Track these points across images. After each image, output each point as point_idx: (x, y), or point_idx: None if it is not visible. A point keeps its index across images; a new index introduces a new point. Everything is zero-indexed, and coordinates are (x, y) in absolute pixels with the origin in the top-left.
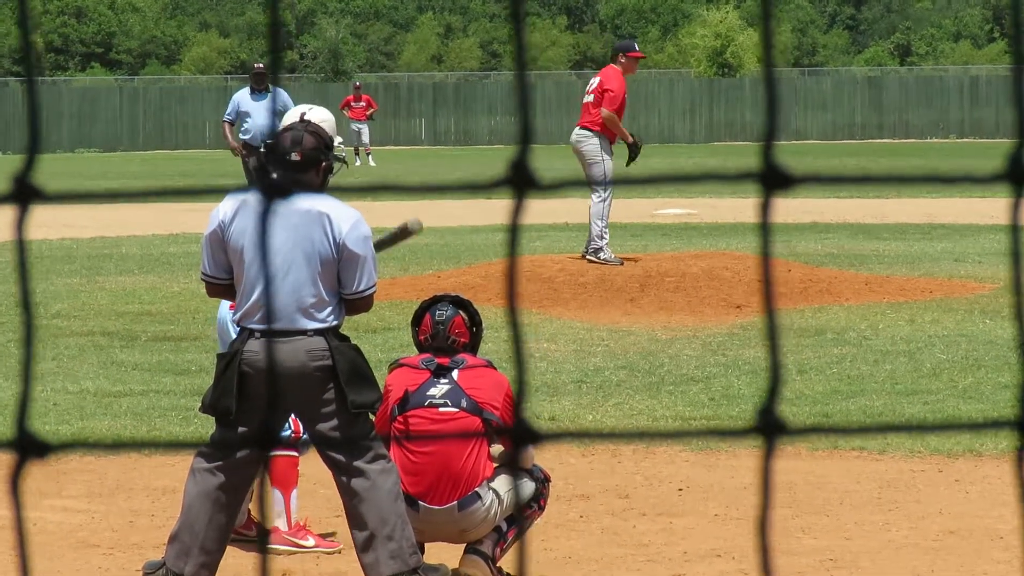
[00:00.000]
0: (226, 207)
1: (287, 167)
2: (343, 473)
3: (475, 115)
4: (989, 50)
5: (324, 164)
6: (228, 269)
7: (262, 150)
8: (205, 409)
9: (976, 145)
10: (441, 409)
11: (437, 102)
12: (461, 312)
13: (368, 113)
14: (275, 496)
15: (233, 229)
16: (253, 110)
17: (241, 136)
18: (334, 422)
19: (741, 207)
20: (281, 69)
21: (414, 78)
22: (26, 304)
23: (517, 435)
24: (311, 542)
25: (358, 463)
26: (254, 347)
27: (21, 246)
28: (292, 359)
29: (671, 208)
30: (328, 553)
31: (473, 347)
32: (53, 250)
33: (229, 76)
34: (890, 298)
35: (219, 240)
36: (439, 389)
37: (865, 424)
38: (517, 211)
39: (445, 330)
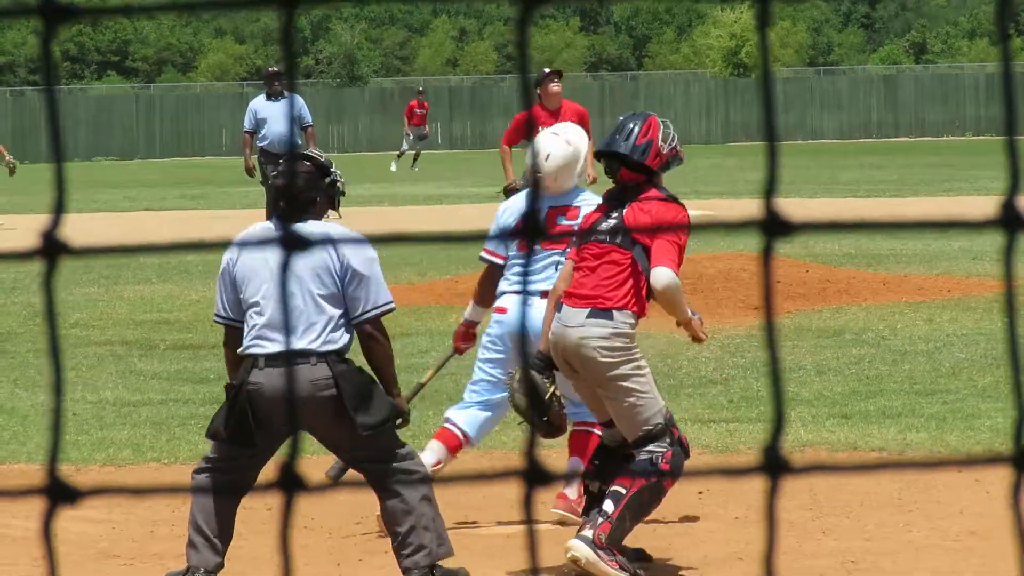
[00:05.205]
0: (233, 247)
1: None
2: (376, 484)
3: (491, 118)
4: None
5: (318, 199)
6: (240, 308)
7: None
8: (215, 437)
9: (992, 142)
10: (602, 244)
11: (453, 106)
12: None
13: (425, 132)
14: (573, 464)
15: (240, 262)
16: (270, 116)
17: (258, 143)
18: (355, 442)
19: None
20: (296, 76)
21: (429, 82)
22: (55, 352)
23: (529, 477)
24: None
25: (387, 479)
26: (258, 378)
27: (50, 301)
28: (298, 389)
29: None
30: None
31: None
32: (71, 259)
33: (245, 82)
34: (908, 298)
35: (230, 277)
36: (607, 224)
37: (867, 462)
38: (529, 255)
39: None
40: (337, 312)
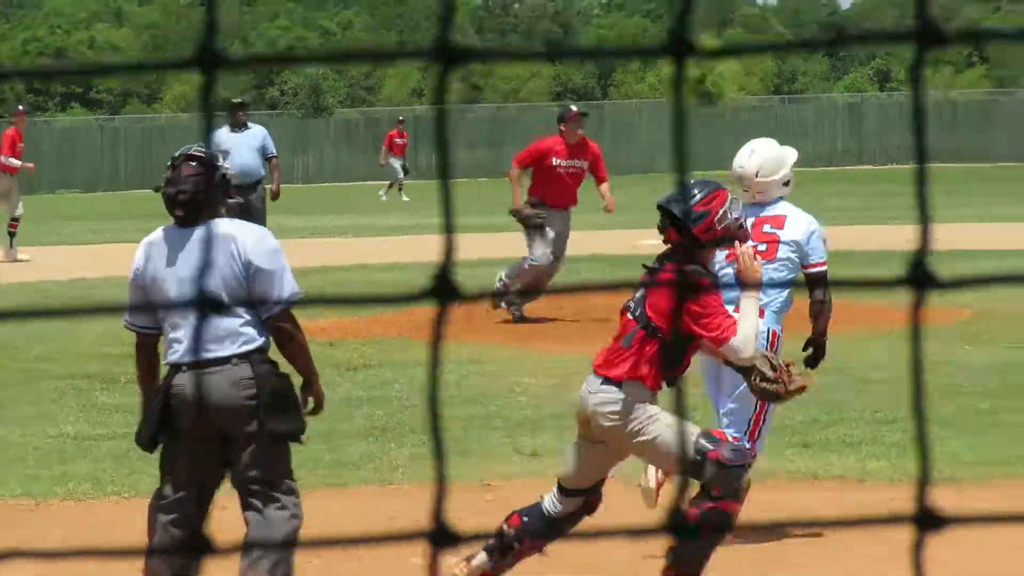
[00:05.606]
0: (139, 252)
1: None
2: (248, 507)
3: (456, 147)
4: (968, 75)
5: (212, 197)
6: (151, 315)
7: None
8: (142, 442)
9: (954, 171)
10: (627, 315)
11: (418, 136)
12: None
13: (406, 166)
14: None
15: (147, 269)
16: (233, 147)
17: None
18: (255, 452)
19: None
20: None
21: (396, 112)
22: None
23: (434, 538)
24: None
25: (267, 506)
26: (181, 380)
27: None
28: (218, 391)
29: (652, 239)
30: None
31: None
32: (32, 293)
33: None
34: (870, 326)
35: (138, 286)
36: (639, 293)
37: (777, 521)
38: (439, 322)
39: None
40: (249, 311)
